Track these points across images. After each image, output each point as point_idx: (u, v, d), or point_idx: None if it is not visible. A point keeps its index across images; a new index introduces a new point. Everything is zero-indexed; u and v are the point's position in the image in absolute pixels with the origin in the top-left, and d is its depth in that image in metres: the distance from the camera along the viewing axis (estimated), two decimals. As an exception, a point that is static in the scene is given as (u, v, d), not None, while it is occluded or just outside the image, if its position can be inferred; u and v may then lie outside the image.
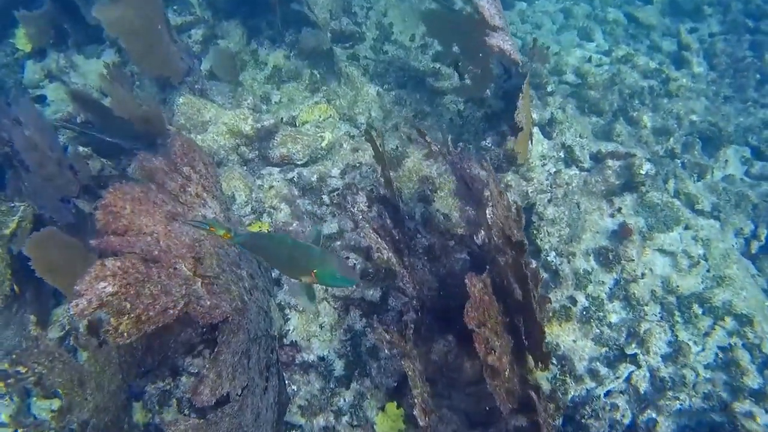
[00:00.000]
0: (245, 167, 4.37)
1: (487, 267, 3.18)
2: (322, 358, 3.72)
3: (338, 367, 3.72)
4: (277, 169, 4.33)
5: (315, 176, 4.25)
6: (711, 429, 3.67)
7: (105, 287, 2.55)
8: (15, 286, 3.90)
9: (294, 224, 4.11)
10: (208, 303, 2.97)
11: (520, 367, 3.25)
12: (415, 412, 2.76)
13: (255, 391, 3.19)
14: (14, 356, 3.32)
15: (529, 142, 4.16)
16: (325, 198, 4.20)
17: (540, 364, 3.16)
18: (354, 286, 2.84)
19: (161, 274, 2.84)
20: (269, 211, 4.13)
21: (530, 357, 3.37)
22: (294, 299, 3.76)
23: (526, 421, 3.05)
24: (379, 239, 3.33)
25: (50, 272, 3.56)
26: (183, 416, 3.32)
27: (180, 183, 3.29)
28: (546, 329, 3.87)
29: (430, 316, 3.57)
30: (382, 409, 3.62)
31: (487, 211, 3.03)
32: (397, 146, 4.41)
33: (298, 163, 4.36)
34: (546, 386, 3.65)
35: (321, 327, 3.82)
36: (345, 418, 3.61)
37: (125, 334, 2.58)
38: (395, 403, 3.61)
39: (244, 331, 3.10)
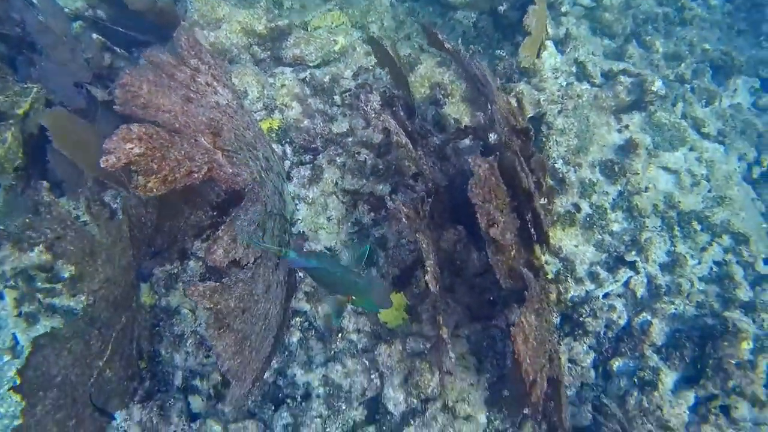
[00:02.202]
0: (257, 66, 4.46)
1: (496, 153, 3.33)
2: (329, 248, 3.89)
3: (345, 256, 3.89)
4: (290, 68, 4.42)
5: (327, 77, 4.36)
6: (703, 331, 3.90)
7: (132, 148, 2.67)
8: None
9: (305, 122, 4.23)
10: (230, 170, 3.12)
11: (526, 251, 3.42)
12: (426, 278, 2.93)
13: (267, 264, 3.34)
14: (27, 221, 3.44)
15: (541, 51, 4.29)
16: (337, 98, 4.31)
17: (543, 246, 3.32)
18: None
19: (184, 142, 2.98)
20: (281, 108, 4.25)
21: (537, 246, 3.55)
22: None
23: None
24: (397, 126, 3.46)
25: (65, 146, 3.66)
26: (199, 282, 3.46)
27: (189, 74, 3.37)
28: (550, 232, 4.08)
29: (439, 206, 3.72)
30: (386, 298, 3.79)
31: (489, 105, 3.16)
32: (409, 54, 4.52)
33: (311, 64, 4.46)
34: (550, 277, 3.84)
35: (329, 220, 3.97)
36: (349, 305, 3.79)
37: (154, 189, 2.74)
38: (399, 294, 3.80)
39: (261, 203, 3.23)
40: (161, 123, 2.96)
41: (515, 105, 3.41)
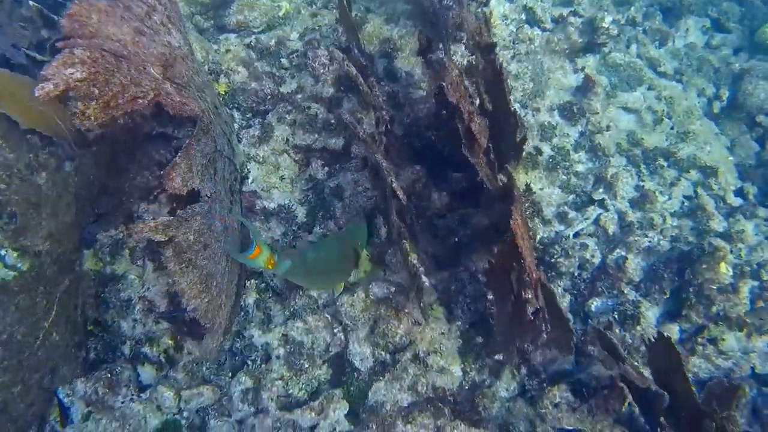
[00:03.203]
0: (201, 35, 4.37)
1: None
2: (283, 206, 3.73)
3: (300, 213, 3.73)
4: (234, 34, 4.33)
5: (273, 40, 4.27)
6: (681, 260, 3.78)
7: (73, 73, 2.49)
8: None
9: (252, 84, 4.11)
10: (179, 99, 2.99)
11: (499, 163, 3.27)
12: (393, 186, 2.79)
13: (222, 203, 3.18)
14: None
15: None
16: (284, 61, 4.22)
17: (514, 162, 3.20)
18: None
19: (131, 68, 2.82)
20: (226, 72, 4.13)
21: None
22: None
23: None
24: (345, 59, 3.37)
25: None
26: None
27: (145, 10, 3.27)
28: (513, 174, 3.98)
29: (397, 151, 3.61)
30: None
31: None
32: (356, 15, 4.47)
33: (255, 30, 4.37)
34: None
35: (281, 179, 3.83)
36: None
37: (93, 118, 2.56)
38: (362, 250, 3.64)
39: (211, 138, 3.09)
40: (108, 50, 2.82)
41: (482, 23, 3.33)
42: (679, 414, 2.98)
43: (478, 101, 3.34)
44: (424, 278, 2.87)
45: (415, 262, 2.88)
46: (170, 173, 2.70)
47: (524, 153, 3.99)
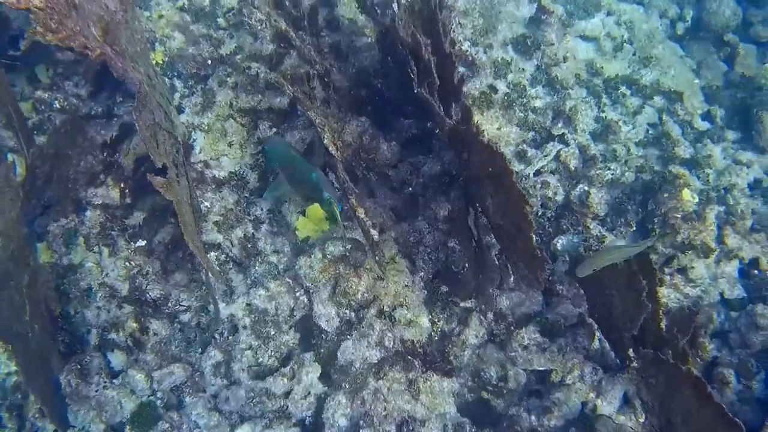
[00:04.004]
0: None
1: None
2: (234, 173, 3.67)
3: (252, 179, 3.68)
4: (165, -2, 4.18)
5: (207, 0, 4.12)
6: (644, 190, 3.77)
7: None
8: None
9: (190, 50, 3.99)
10: (120, 65, 2.96)
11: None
12: (325, 142, 2.74)
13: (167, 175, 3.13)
14: None
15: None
16: (221, 21, 4.07)
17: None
18: None
19: (79, 20, 2.97)
20: (161, 39, 3.99)
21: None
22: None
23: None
24: (277, 15, 3.25)
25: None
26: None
27: None
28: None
29: (341, 102, 3.52)
30: (303, 213, 3.60)
31: None
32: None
33: (187, -9, 4.21)
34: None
35: (230, 145, 3.75)
36: (264, 226, 3.59)
37: (51, 41, 2.85)
38: (317, 205, 3.59)
39: (149, 111, 3.03)
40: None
41: None
42: (644, 343, 3.02)
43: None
44: (374, 232, 2.85)
45: (362, 216, 2.85)
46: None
47: (477, 93, 3.94)
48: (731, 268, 3.77)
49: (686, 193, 3.65)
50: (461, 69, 3.92)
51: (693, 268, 3.67)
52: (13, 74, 3.91)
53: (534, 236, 2.74)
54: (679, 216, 3.63)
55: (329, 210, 2.84)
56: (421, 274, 3.47)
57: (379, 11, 3.71)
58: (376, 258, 3.01)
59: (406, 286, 3.43)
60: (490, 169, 2.73)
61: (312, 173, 2.81)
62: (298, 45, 3.16)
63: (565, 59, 4.10)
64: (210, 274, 3.31)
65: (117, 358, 3.36)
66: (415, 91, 2.95)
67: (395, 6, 3.11)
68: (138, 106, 2.90)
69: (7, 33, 3.86)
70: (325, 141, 2.70)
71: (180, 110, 3.81)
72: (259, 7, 3.50)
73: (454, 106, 3.11)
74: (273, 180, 3.46)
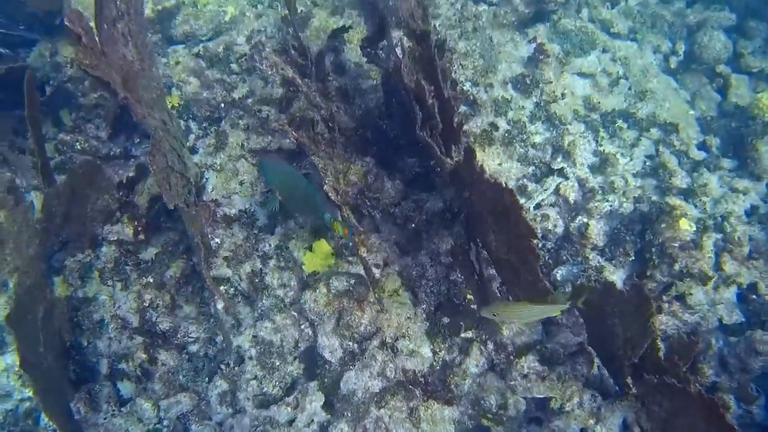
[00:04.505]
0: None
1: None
2: (244, 211, 3.88)
3: (261, 216, 3.89)
4: (182, 45, 4.48)
5: (221, 47, 4.40)
6: (642, 220, 3.89)
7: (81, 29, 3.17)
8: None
9: (204, 94, 4.26)
10: (140, 111, 3.22)
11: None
12: (325, 188, 2.94)
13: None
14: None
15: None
16: (234, 66, 4.36)
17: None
18: None
19: (106, 66, 3.32)
20: (178, 84, 4.28)
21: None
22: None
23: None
24: (283, 63, 3.50)
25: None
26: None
27: (114, 14, 3.50)
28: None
29: (347, 143, 3.74)
30: (310, 249, 3.79)
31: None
32: (301, 11, 4.58)
33: (203, 38, 4.51)
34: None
35: (241, 184, 3.98)
36: (272, 262, 3.78)
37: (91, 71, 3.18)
38: (323, 241, 3.79)
39: (162, 155, 3.27)
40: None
41: (418, 9, 3.43)
42: (644, 370, 3.11)
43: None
44: (376, 271, 3.02)
45: (364, 255, 3.03)
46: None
47: (479, 130, 4.13)
48: (729, 293, 3.85)
49: (683, 222, 3.78)
50: (463, 108, 4.18)
51: (691, 294, 3.77)
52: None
53: (540, 268, 2.88)
54: (676, 245, 3.75)
55: (330, 227, 3.07)
56: (424, 306, 3.61)
57: (383, 55, 3.96)
58: (376, 295, 3.18)
59: (409, 318, 3.58)
60: (497, 206, 2.86)
61: (312, 191, 3.03)
62: (305, 90, 3.39)
63: (563, 96, 4.29)
64: (220, 303, 3.51)
65: (126, 388, 3.55)
66: (417, 133, 3.15)
67: (398, 50, 3.34)
68: (152, 150, 3.15)
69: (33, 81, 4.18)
70: (326, 187, 2.90)
71: (194, 151, 4.08)
72: (267, 57, 3.76)
73: (454, 147, 3.30)
74: (269, 196, 3.64)
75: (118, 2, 3.50)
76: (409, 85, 3.20)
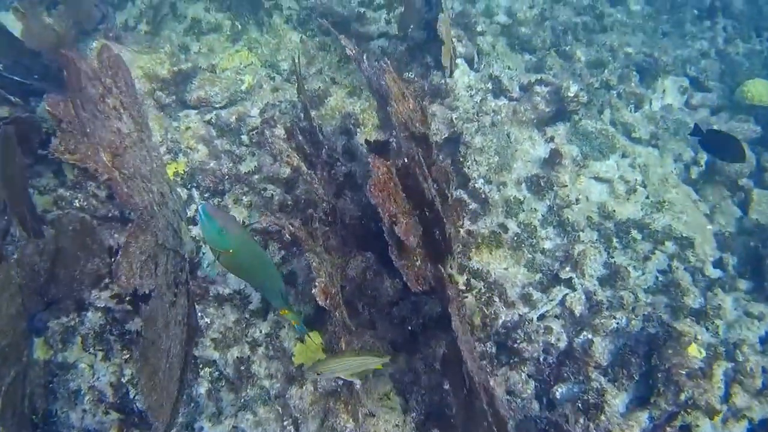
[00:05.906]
0: (162, 112, 4.60)
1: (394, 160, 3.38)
2: (237, 292, 3.88)
3: (255, 299, 3.89)
4: (194, 111, 4.57)
5: (233, 117, 4.50)
6: (649, 343, 3.85)
7: (60, 107, 3.31)
8: None
9: (211, 164, 4.33)
10: (125, 190, 3.29)
11: (433, 261, 3.39)
12: (314, 291, 2.94)
13: (163, 299, 3.36)
14: None
15: (452, 59, 4.43)
16: (244, 138, 4.43)
17: (450, 257, 3.33)
18: None
19: (89, 146, 3.42)
20: (186, 150, 4.35)
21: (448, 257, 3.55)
22: None
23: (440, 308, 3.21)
24: (289, 149, 3.56)
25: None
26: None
27: (100, 92, 3.60)
28: (475, 255, 4.11)
29: (348, 236, 3.76)
30: (300, 339, 3.77)
31: (388, 109, 3.26)
32: (319, 87, 4.68)
33: (217, 105, 4.61)
34: (472, 301, 3.83)
35: (238, 262, 4.00)
36: (261, 349, 3.75)
37: (68, 159, 3.32)
38: (314, 332, 3.77)
39: (152, 234, 3.30)
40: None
41: (419, 112, 3.50)
42: None
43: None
44: (357, 382, 3.00)
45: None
46: (117, 272, 3.07)
47: (487, 231, 4.15)
48: (739, 429, 3.78)
49: (693, 348, 3.73)
50: (474, 205, 4.22)
51: (698, 426, 3.69)
52: (42, 166, 4.30)
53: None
54: (683, 373, 3.69)
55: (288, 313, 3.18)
56: (413, 414, 3.56)
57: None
58: (356, 408, 3.16)
59: (397, 425, 3.52)
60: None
61: (278, 280, 3.03)
62: (308, 181, 3.43)
63: (577, 201, 4.31)
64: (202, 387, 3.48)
65: (94, 466, 3.49)
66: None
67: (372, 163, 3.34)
68: (136, 231, 3.18)
69: (38, 135, 4.26)
70: (314, 290, 2.91)
71: (194, 222, 4.11)
72: (274, 142, 3.82)
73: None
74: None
75: (103, 79, 3.62)
76: (379, 207, 3.15)
